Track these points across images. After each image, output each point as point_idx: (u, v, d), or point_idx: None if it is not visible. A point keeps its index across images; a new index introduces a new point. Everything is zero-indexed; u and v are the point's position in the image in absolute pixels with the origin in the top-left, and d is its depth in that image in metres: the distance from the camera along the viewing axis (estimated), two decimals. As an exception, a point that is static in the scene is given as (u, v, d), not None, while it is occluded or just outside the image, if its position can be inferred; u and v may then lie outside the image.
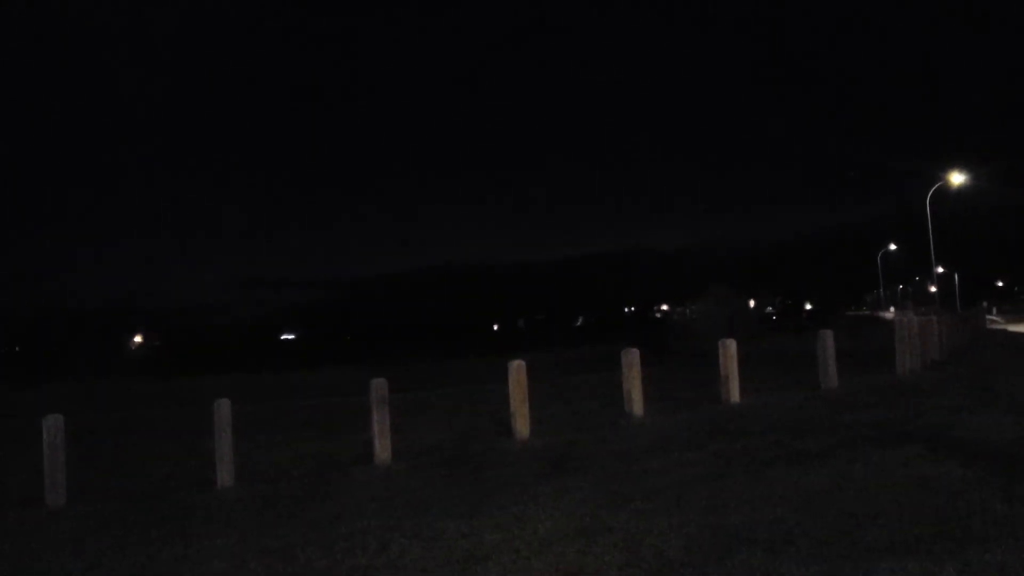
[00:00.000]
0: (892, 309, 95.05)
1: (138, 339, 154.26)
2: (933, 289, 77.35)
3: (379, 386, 11.30)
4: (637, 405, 13.12)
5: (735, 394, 13.80)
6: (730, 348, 13.94)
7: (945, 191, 46.37)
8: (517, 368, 12.36)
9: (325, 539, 6.99)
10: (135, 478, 11.64)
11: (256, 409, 18.69)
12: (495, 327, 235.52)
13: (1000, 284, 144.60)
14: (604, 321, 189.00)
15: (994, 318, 65.22)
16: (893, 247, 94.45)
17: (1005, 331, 40.69)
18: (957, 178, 44.95)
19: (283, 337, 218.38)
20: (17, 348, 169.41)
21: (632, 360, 13.22)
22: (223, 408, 10.73)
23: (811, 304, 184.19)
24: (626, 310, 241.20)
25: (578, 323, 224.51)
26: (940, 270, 66.18)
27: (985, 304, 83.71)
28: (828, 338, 14.90)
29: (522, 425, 12.11)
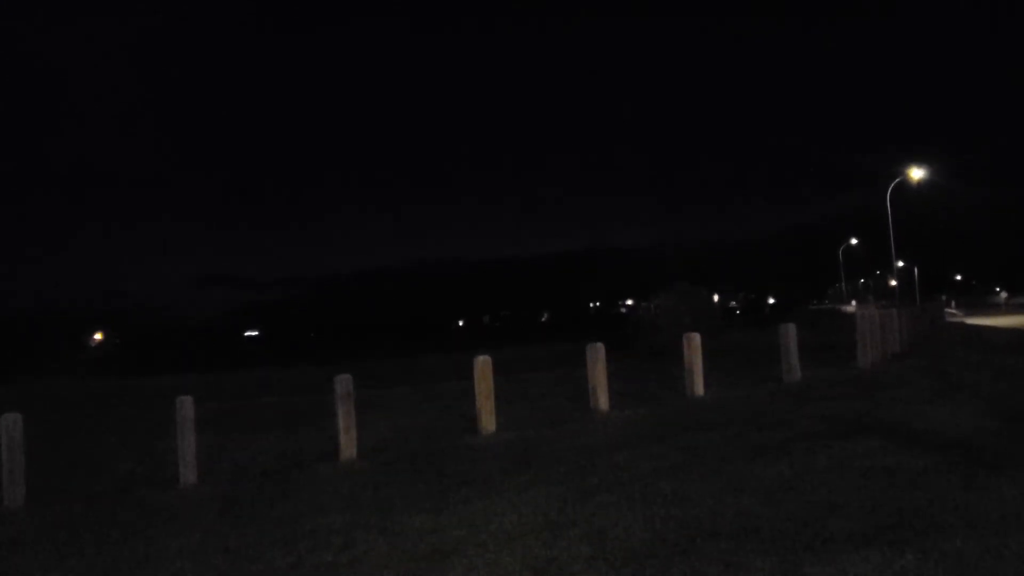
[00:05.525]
0: (853, 303, 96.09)
1: (98, 337, 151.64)
2: (893, 283, 78.64)
3: (344, 382, 11.24)
4: (602, 399, 13.16)
5: (699, 388, 13.89)
6: (694, 342, 14.03)
7: (905, 186, 47.06)
8: (482, 364, 12.36)
9: (289, 537, 6.94)
10: (96, 477, 11.48)
11: (219, 407, 18.53)
12: (460, 323, 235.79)
13: (958, 278, 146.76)
14: (569, 317, 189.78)
15: (952, 311, 66.24)
16: (854, 242, 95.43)
17: (963, 324, 41.32)
18: (917, 173, 45.61)
19: (247, 334, 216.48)
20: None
21: (597, 355, 13.26)
22: (185, 406, 10.62)
23: (774, 298, 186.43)
24: (591, 306, 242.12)
25: (543, 319, 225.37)
26: (900, 264, 67.15)
27: (944, 297, 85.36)
28: (791, 332, 15.03)
29: (488, 420, 12.10)
